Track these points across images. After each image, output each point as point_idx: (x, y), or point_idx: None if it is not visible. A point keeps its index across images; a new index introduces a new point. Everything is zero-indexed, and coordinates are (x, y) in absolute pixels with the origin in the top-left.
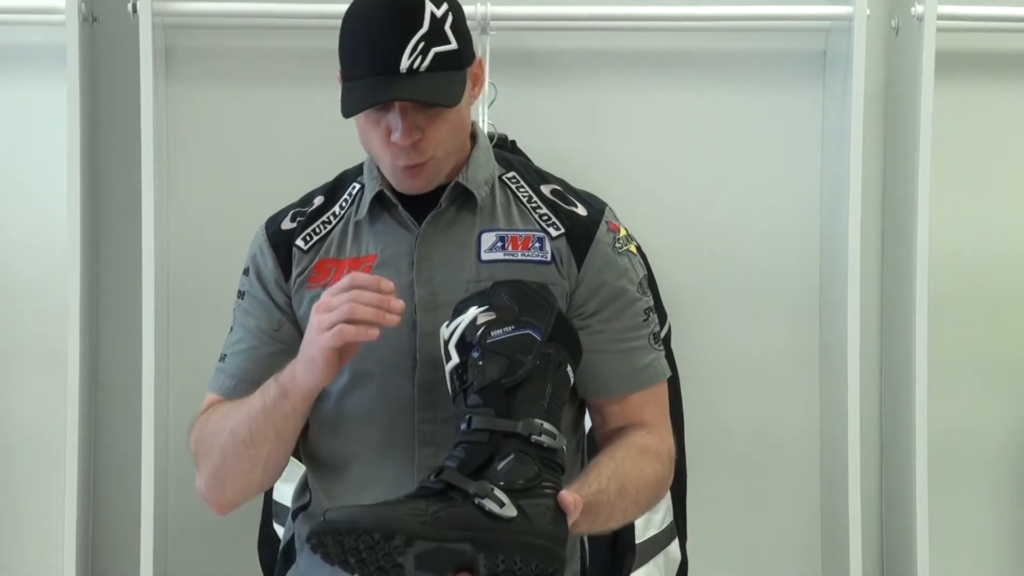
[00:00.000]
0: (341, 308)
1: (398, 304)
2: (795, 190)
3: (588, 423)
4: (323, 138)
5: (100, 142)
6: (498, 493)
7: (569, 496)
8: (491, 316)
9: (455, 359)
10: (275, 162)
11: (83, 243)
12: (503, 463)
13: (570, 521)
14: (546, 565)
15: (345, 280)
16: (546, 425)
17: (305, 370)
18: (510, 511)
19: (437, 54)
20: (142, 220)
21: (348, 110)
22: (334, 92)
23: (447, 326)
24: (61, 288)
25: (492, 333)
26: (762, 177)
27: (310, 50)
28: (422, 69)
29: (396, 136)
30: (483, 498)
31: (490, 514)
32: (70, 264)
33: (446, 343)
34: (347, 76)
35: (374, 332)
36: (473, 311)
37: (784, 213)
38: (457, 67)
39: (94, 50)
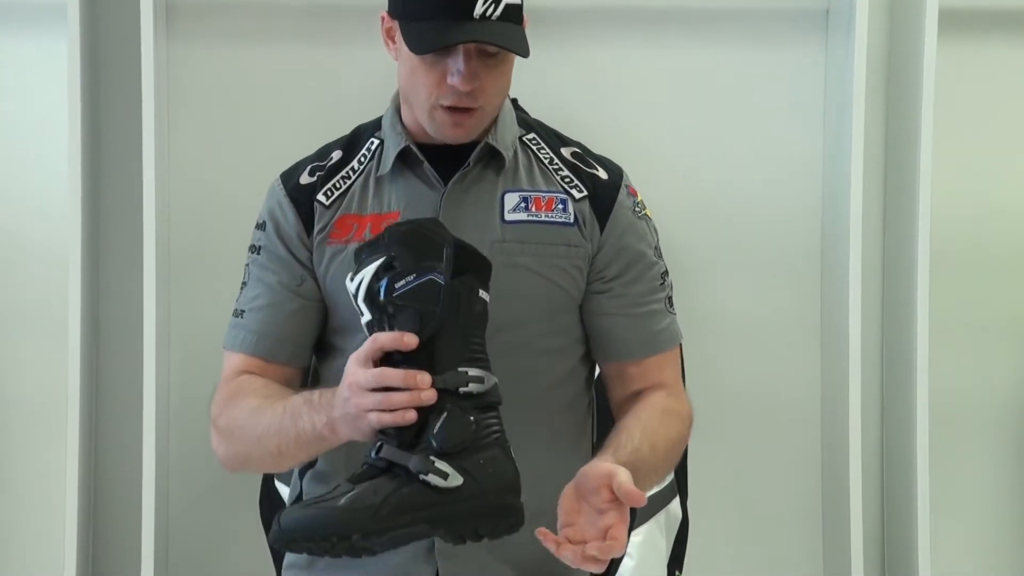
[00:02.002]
0: (377, 398)
1: (425, 379)
2: (797, 149)
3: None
4: (325, 95)
5: (101, 100)
6: (439, 465)
7: (631, 483)
8: (391, 267)
9: (367, 315)
10: (277, 119)
11: (84, 202)
12: (438, 425)
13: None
14: (502, 521)
15: (366, 346)
16: (471, 372)
17: (350, 432)
18: (455, 480)
19: (508, 5)
20: (143, 179)
21: (425, 46)
22: (336, 49)
23: (350, 279)
24: (62, 248)
25: (396, 286)
26: (764, 136)
27: (314, 7)
28: (493, 17)
29: (456, 80)
30: (426, 474)
31: (437, 488)
32: (71, 224)
33: (354, 297)
34: (410, 16)
35: (411, 416)
36: (373, 264)
37: (786, 172)
38: (518, 21)
39: (94, 7)
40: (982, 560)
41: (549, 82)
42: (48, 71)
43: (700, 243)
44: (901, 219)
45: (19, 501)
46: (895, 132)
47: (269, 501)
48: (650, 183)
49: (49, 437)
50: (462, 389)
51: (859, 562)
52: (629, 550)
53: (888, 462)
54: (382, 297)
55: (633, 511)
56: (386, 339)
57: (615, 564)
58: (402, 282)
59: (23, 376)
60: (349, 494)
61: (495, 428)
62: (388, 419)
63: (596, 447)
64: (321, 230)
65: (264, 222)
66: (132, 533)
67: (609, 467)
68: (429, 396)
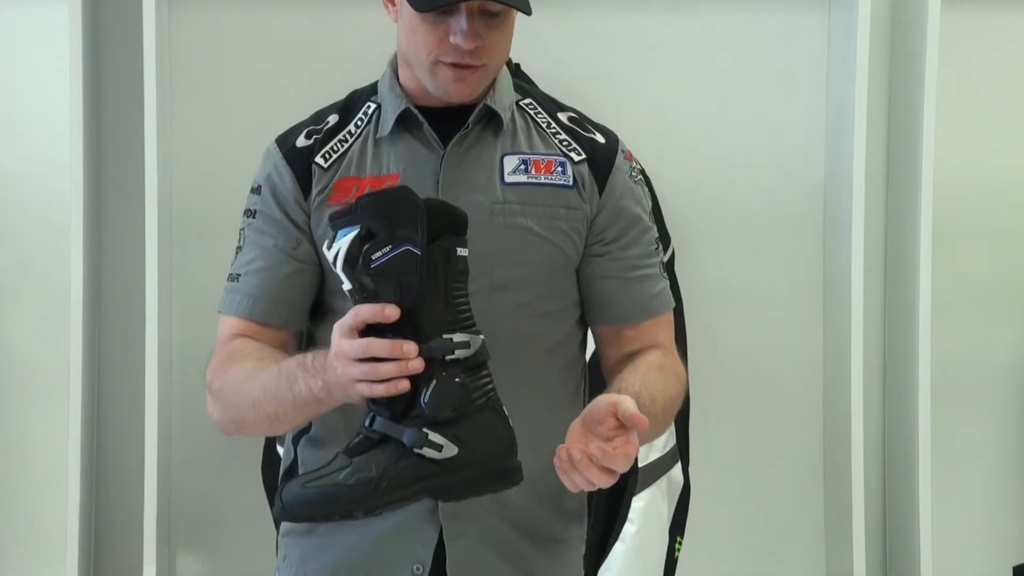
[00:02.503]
0: (364, 368)
1: (411, 348)
2: (800, 115)
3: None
4: (326, 60)
5: (102, 65)
6: (433, 437)
7: (634, 406)
8: (367, 238)
9: (347, 283)
10: (278, 84)
11: (86, 169)
12: (428, 393)
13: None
14: (501, 483)
15: (349, 317)
16: (456, 338)
17: (344, 397)
18: (450, 450)
19: None
20: (145, 143)
21: (429, 4)
22: (337, 15)
23: (327, 248)
24: (64, 214)
25: (373, 257)
26: (767, 102)
27: None
28: None
29: (459, 39)
30: (420, 448)
31: (433, 460)
32: (73, 191)
33: (332, 264)
34: None
35: (404, 385)
36: (348, 235)
37: (789, 138)
38: None
39: None
40: (982, 527)
41: (552, 51)
42: (49, 39)
43: (703, 209)
44: (904, 190)
45: (22, 468)
46: (898, 102)
47: (272, 467)
48: (653, 149)
49: (52, 403)
50: (448, 356)
51: (860, 528)
52: (631, 516)
53: (890, 431)
54: (360, 268)
55: (635, 478)
56: (367, 311)
57: (615, 532)
58: (378, 254)
59: (25, 343)
60: (347, 469)
61: (487, 387)
62: (380, 389)
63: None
64: (320, 192)
65: (260, 186)
66: (135, 498)
67: (614, 396)
68: (416, 365)
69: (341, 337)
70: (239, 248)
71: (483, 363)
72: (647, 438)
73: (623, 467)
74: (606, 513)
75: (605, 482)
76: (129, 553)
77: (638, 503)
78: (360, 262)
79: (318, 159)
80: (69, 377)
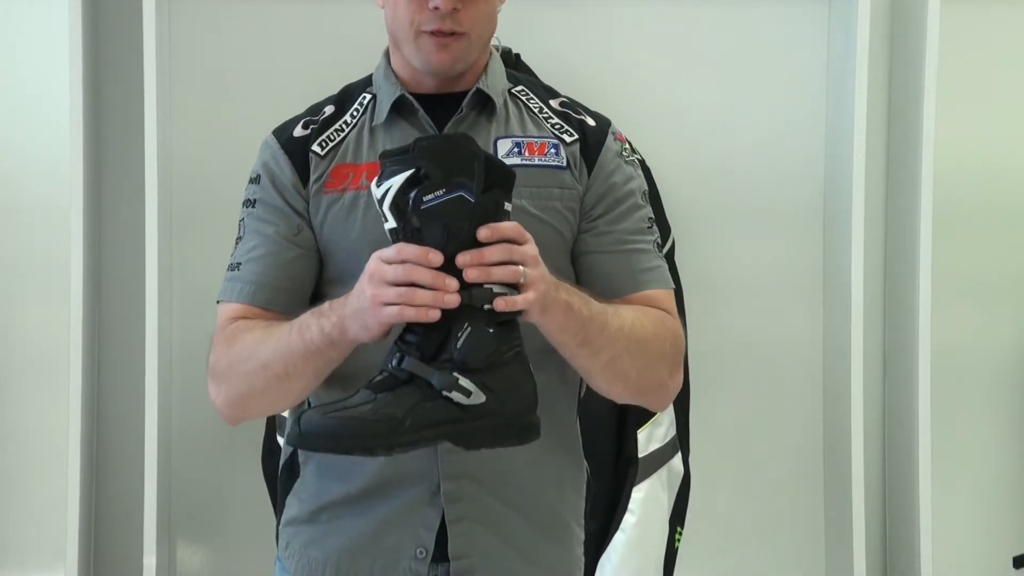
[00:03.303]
0: (400, 291)
1: (452, 283)
2: (801, 104)
3: None
4: (326, 54)
5: (102, 58)
6: (463, 382)
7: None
8: (419, 180)
9: (391, 222)
10: (278, 78)
11: (85, 154)
12: (461, 339)
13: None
14: (520, 438)
15: (392, 250)
16: (495, 289)
17: (358, 330)
18: (478, 397)
19: None
20: (145, 137)
21: None
22: (337, 9)
23: (377, 185)
24: (64, 199)
25: (424, 199)
26: (768, 91)
27: None
28: None
29: (437, 1)
30: (449, 391)
31: (459, 405)
32: (73, 175)
33: (380, 203)
34: None
35: (435, 314)
36: (402, 175)
37: (789, 128)
38: None
39: None
40: (983, 517)
41: (553, 42)
42: (50, 32)
43: (704, 197)
44: (904, 172)
45: (22, 459)
46: (898, 87)
47: (272, 456)
48: (654, 138)
49: (52, 394)
50: (486, 306)
51: (860, 517)
52: (631, 506)
53: (890, 414)
54: (410, 209)
55: (636, 468)
56: (412, 252)
57: (615, 522)
58: (431, 195)
59: (26, 335)
60: (371, 404)
61: (516, 343)
62: (411, 313)
63: (582, 394)
64: (317, 179)
65: (259, 175)
66: (135, 488)
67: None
68: (452, 300)
69: (380, 262)
70: (239, 238)
71: (514, 321)
72: (601, 351)
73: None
74: (606, 503)
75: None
76: (129, 543)
77: (638, 493)
78: (411, 202)
79: (315, 147)
80: (69, 368)
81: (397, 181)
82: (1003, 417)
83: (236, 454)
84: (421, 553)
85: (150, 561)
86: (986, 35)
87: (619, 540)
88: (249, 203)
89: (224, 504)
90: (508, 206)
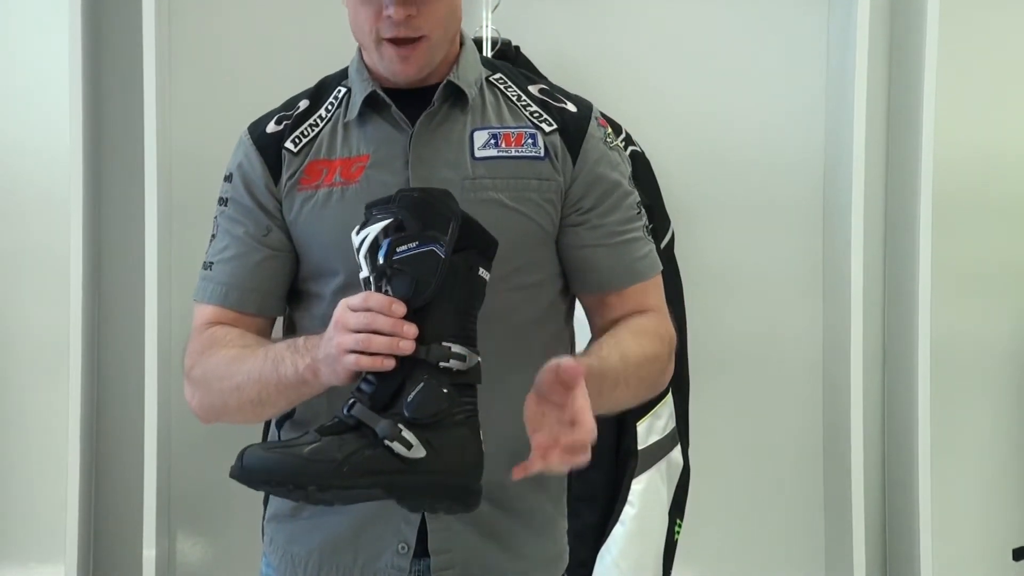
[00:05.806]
0: (359, 337)
1: (412, 330)
2: (800, 97)
3: None
4: (326, 46)
5: (102, 49)
6: (406, 434)
7: (571, 361)
8: (397, 229)
9: (365, 271)
10: (278, 70)
11: (85, 143)
12: (413, 393)
13: (577, 387)
14: (457, 501)
15: (358, 298)
16: (455, 348)
17: (329, 374)
18: (418, 452)
19: None
20: (144, 129)
21: None
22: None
23: (356, 233)
24: (64, 189)
25: (397, 249)
26: (767, 84)
27: None
28: None
29: (390, 9)
30: (391, 440)
31: (399, 456)
32: (72, 164)
33: (357, 251)
34: None
35: (390, 363)
36: (380, 223)
37: (789, 120)
38: None
39: None
40: (982, 510)
41: (552, 35)
42: (49, 24)
43: (704, 190)
44: (903, 165)
45: (22, 452)
46: (898, 78)
47: None
48: (654, 130)
49: (52, 388)
50: (442, 363)
51: (859, 509)
52: (631, 498)
53: (889, 406)
54: (381, 258)
55: (635, 461)
56: (376, 301)
57: (615, 514)
58: (404, 247)
59: (26, 328)
60: (313, 445)
61: (469, 407)
62: (367, 362)
63: None
64: (291, 177)
65: (231, 174)
66: (134, 481)
67: (552, 362)
68: (407, 347)
69: (346, 309)
70: (213, 236)
71: (472, 385)
72: (619, 397)
73: (590, 436)
74: (606, 495)
75: (582, 460)
76: (129, 536)
77: (638, 485)
78: (384, 251)
79: (288, 144)
80: (69, 361)
81: (374, 229)
82: (1003, 410)
83: (235, 447)
84: (403, 548)
85: (150, 554)
86: (985, 28)
87: (619, 532)
88: (222, 201)
89: (223, 497)
90: (484, 273)
